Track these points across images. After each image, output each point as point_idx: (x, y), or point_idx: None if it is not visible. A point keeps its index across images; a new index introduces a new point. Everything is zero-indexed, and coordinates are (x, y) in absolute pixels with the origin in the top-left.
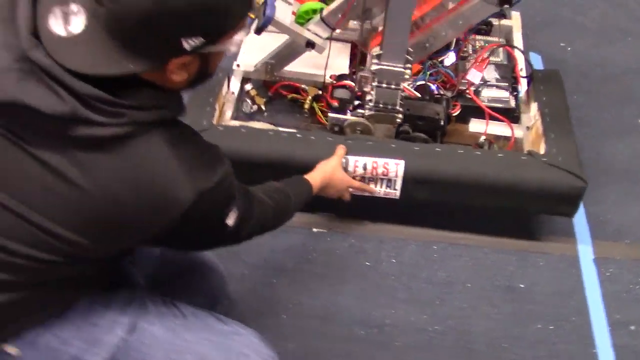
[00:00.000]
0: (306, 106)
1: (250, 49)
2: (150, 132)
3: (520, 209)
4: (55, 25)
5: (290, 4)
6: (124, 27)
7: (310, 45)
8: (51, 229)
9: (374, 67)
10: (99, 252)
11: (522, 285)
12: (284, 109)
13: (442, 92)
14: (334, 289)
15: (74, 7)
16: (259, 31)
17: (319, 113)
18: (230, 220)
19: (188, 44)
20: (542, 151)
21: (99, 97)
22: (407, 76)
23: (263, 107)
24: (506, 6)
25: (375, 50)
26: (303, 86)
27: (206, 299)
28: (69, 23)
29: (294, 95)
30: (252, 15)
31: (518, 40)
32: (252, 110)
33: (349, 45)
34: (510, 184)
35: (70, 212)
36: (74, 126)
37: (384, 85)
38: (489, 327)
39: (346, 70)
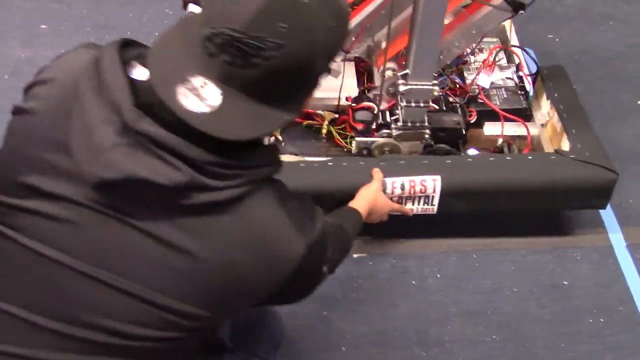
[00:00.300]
0: (324, 131)
1: None
2: (260, 189)
3: (554, 208)
4: (191, 103)
5: None
6: (273, 82)
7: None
8: (170, 305)
9: (402, 88)
10: (216, 322)
11: (565, 282)
12: (300, 135)
13: (454, 100)
14: (386, 313)
15: (196, 81)
16: None
17: (337, 137)
18: (325, 267)
19: (322, 77)
20: (564, 147)
21: (217, 162)
22: (436, 93)
23: (279, 137)
24: (521, 12)
25: (386, 67)
26: (319, 111)
27: (270, 345)
28: (203, 98)
29: (309, 121)
30: None
31: (514, 38)
32: (269, 142)
33: (352, 64)
34: (544, 186)
35: (188, 285)
36: (190, 194)
37: (413, 104)
38: (543, 329)
39: (355, 89)
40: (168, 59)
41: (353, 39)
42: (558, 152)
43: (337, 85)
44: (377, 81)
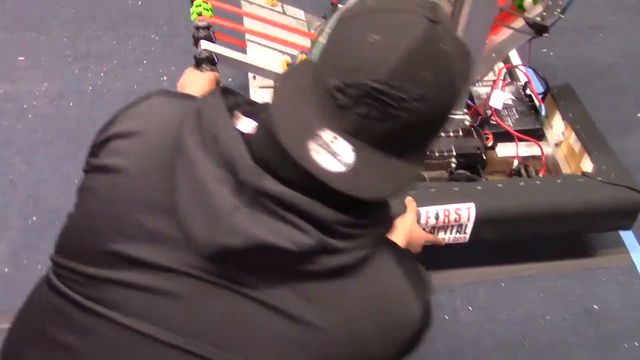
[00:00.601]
0: None
1: None
2: (381, 248)
3: (583, 231)
4: (325, 161)
5: None
6: (408, 134)
7: None
8: None
9: None
10: None
11: (596, 307)
12: None
13: (469, 123)
14: (423, 351)
15: (326, 135)
16: None
17: None
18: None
19: None
20: (586, 168)
21: (346, 222)
22: (467, 122)
23: None
24: (545, 35)
25: None
26: None
27: None
28: (336, 154)
29: None
30: None
31: (515, 56)
32: None
33: None
34: (575, 209)
35: (305, 359)
36: (315, 258)
37: (442, 134)
38: (583, 357)
39: None
40: (291, 112)
41: None
42: (585, 174)
43: None
44: None
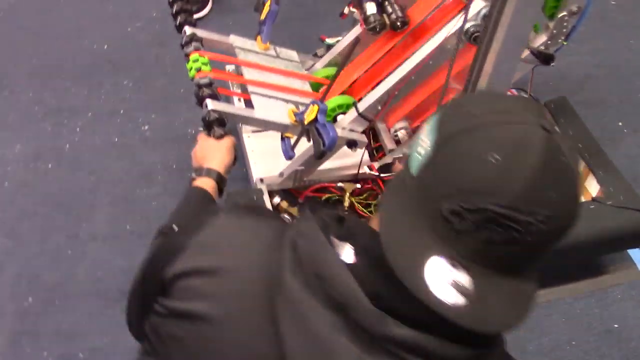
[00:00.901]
0: (346, 204)
1: (261, 158)
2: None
3: (597, 255)
4: (444, 293)
5: None
6: (530, 255)
7: (352, 144)
8: None
9: None
10: None
11: (616, 325)
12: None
13: None
14: None
15: (442, 263)
16: (321, 156)
17: (359, 207)
18: None
19: None
20: (592, 189)
21: (473, 355)
22: None
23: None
24: (553, 64)
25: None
26: (339, 184)
27: None
28: (454, 283)
29: (329, 195)
30: (290, 135)
31: None
32: None
33: None
34: (589, 236)
35: None
36: None
37: None
38: None
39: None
40: (402, 240)
41: (380, 107)
42: (596, 200)
43: (352, 154)
44: (387, 141)
